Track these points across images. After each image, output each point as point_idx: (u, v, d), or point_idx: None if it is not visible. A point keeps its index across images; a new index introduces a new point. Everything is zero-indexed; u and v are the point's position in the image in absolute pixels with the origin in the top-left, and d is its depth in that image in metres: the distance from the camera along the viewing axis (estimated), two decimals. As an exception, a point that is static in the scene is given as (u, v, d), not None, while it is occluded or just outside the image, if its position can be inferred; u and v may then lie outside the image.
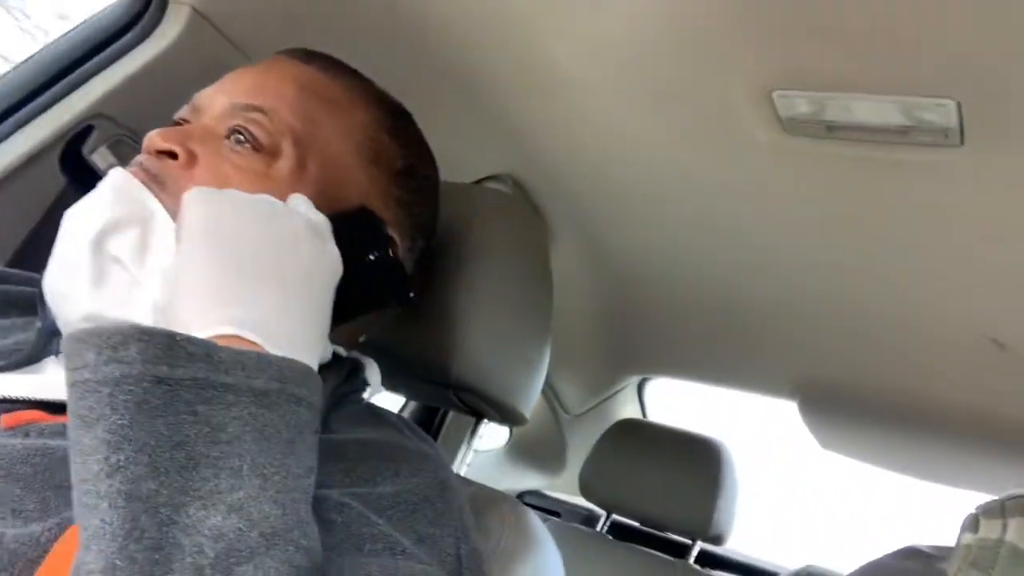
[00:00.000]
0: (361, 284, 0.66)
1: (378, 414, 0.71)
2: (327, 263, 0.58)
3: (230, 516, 0.41)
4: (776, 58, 0.90)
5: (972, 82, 0.84)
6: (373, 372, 0.77)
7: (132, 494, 0.40)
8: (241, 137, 0.66)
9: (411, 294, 0.71)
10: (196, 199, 0.56)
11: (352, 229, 0.66)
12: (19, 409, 0.58)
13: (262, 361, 0.46)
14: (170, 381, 0.43)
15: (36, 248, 0.95)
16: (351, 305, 0.65)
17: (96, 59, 0.96)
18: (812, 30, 0.84)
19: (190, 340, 0.45)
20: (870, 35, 0.82)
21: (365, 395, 0.77)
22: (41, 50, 0.96)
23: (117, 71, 0.96)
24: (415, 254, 0.79)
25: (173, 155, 0.65)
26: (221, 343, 0.47)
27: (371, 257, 0.68)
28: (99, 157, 0.97)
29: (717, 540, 1.68)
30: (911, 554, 0.53)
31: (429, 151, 0.81)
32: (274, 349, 0.50)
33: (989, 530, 0.48)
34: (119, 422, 0.41)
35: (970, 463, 1.56)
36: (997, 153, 0.92)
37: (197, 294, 0.51)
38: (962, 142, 0.91)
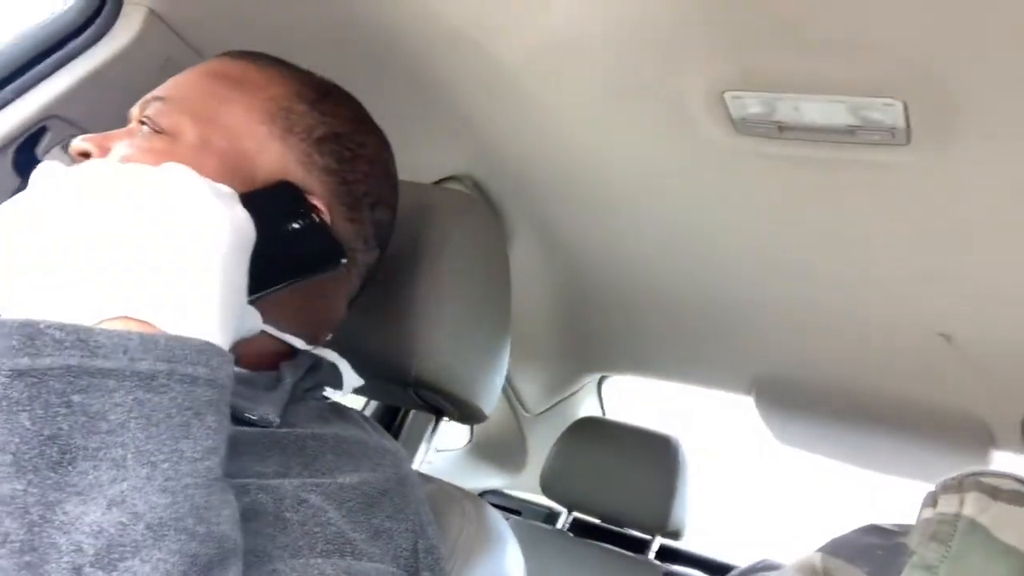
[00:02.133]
0: (286, 255, 0.66)
1: (339, 410, 0.72)
2: (229, 227, 0.52)
3: (111, 510, 0.40)
4: (727, 59, 0.91)
5: (918, 82, 0.86)
6: (345, 369, 0.78)
7: None
8: (145, 127, 0.69)
9: (343, 260, 0.70)
10: (42, 172, 0.52)
11: (269, 201, 0.67)
12: None
13: (147, 341, 0.43)
14: (34, 373, 0.40)
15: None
16: (275, 276, 0.64)
17: (50, 59, 0.95)
18: (762, 31, 0.86)
19: (58, 326, 0.42)
20: (819, 37, 0.84)
21: (339, 394, 0.77)
22: (-7, 51, 0.95)
23: (72, 72, 0.95)
24: (365, 225, 0.77)
25: (89, 155, 0.68)
26: (107, 326, 0.45)
27: (294, 226, 0.67)
28: (53, 157, 0.96)
29: (675, 535, 1.70)
30: (872, 530, 0.55)
31: (366, 123, 0.80)
32: (169, 327, 0.46)
33: (947, 505, 0.50)
34: None
35: (921, 455, 1.60)
36: (943, 152, 0.94)
37: (77, 278, 0.47)
38: (908, 141, 0.94)
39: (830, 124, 0.96)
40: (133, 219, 0.49)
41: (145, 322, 0.46)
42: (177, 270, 0.48)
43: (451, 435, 2.04)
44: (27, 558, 0.38)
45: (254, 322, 0.65)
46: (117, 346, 0.43)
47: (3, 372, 0.40)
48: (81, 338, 0.42)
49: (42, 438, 0.40)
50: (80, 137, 0.68)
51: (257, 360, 0.70)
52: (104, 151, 0.68)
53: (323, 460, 0.60)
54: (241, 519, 0.48)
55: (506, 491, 2.23)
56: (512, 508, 2.14)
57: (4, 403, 0.40)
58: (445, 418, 1.05)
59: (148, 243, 0.48)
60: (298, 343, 0.73)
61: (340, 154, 0.75)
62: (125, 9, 0.98)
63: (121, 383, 0.42)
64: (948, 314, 1.27)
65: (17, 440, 0.39)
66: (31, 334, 0.41)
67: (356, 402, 1.73)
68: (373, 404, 1.77)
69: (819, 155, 1.02)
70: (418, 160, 0.83)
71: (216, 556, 0.42)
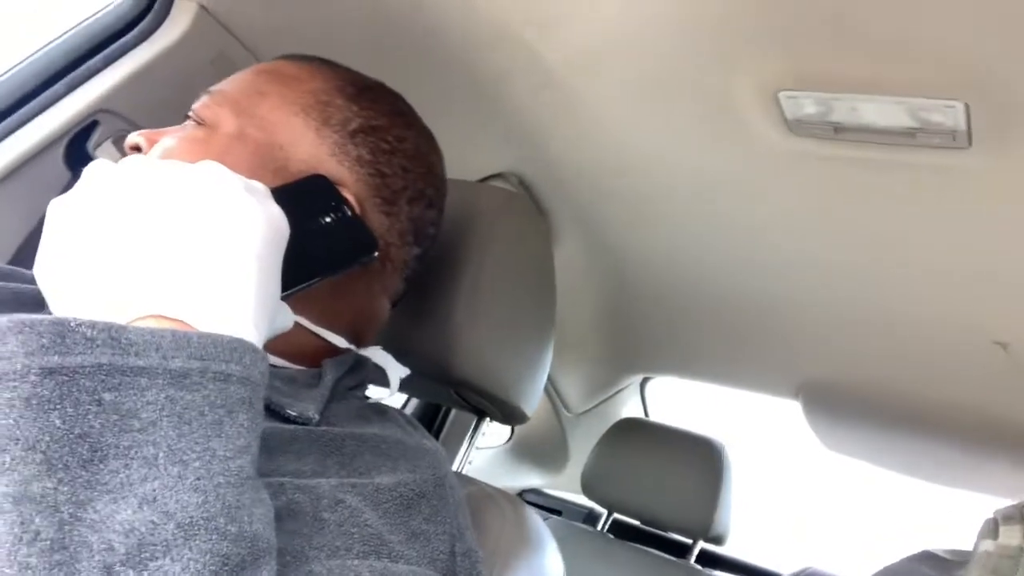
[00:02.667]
0: (320, 248, 0.65)
1: (380, 410, 0.71)
2: (263, 222, 0.52)
3: (142, 508, 0.39)
4: (782, 58, 0.89)
5: (981, 84, 0.83)
6: (393, 370, 0.77)
7: (21, 495, 0.38)
8: (190, 120, 0.71)
9: (375, 253, 0.69)
10: (91, 170, 0.53)
11: (301, 194, 0.66)
12: None
13: (180, 339, 0.43)
14: (64, 371, 0.40)
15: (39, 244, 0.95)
16: (309, 271, 0.64)
17: (102, 55, 0.96)
18: (818, 30, 0.84)
19: (89, 324, 0.41)
20: (877, 36, 0.82)
21: (384, 392, 0.77)
22: (47, 46, 0.96)
23: (122, 67, 0.96)
24: (401, 219, 0.76)
25: (141, 149, 0.69)
26: (140, 324, 0.45)
27: (326, 220, 0.67)
28: (103, 152, 0.97)
29: (718, 540, 1.68)
30: (927, 558, 0.52)
31: (407, 117, 0.79)
32: (203, 325, 0.46)
33: (1009, 536, 0.48)
34: (2, 422, 0.39)
35: (973, 465, 1.56)
36: (1005, 156, 0.91)
37: (110, 276, 0.47)
38: (970, 144, 0.91)
39: (888, 126, 0.93)
40: (167, 217, 0.49)
41: (178, 320, 0.46)
42: (210, 267, 0.48)
43: (491, 433, 2.03)
44: (58, 557, 0.37)
45: (285, 318, 0.64)
46: (149, 344, 0.42)
47: (33, 370, 0.40)
48: (112, 336, 0.42)
49: (72, 436, 0.39)
50: (135, 132, 0.69)
51: (299, 356, 0.69)
52: (152, 146, 0.69)
53: (361, 460, 0.59)
54: (277, 519, 0.47)
55: (546, 490, 2.23)
56: (552, 508, 2.13)
57: (34, 401, 0.39)
58: (487, 419, 1.04)
59: (181, 240, 0.48)
60: (340, 341, 0.72)
61: (376, 146, 0.74)
62: (176, 5, 0.98)
63: (153, 381, 0.42)
64: (1005, 322, 1.23)
65: (47, 439, 0.39)
66: (61, 332, 0.41)
67: (397, 400, 1.73)
68: (414, 402, 1.77)
69: (876, 157, 0.99)
70: (464, 158, 0.83)
71: (248, 556, 0.42)
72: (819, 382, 1.61)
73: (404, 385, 0.81)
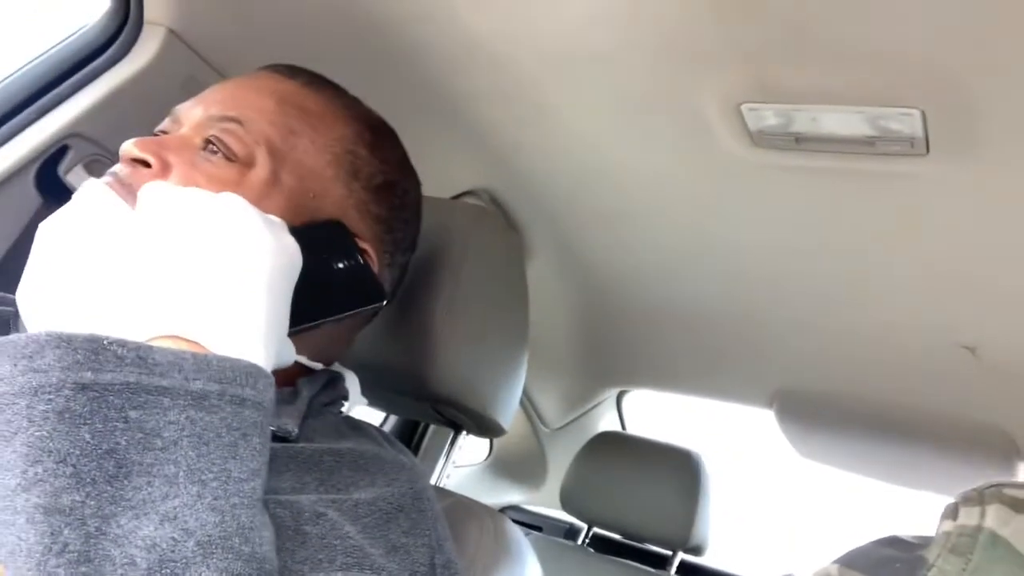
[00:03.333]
0: (329, 291, 0.66)
1: (356, 426, 0.72)
2: (279, 255, 0.55)
3: (163, 525, 0.40)
4: (744, 71, 0.91)
5: (937, 91, 0.85)
6: (353, 384, 0.78)
7: (52, 507, 0.39)
8: (215, 148, 0.66)
9: (384, 302, 0.71)
10: (88, 192, 0.56)
11: (320, 238, 0.67)
12: None
13: (200, 362, 0.44)
14: (96, 387, 0.41)
15: (11, 268, 0.95)
16: (318, 311, 0.65)
17: (72, 79, 0.96)
18: (778, 42, 0.85)
19: (120, 343, 0.43)
20: (835, 47, 0.84)
21: (345, 408, 0.77)
22: (16, 72, 0.96)
23: (93, 91, 0.96)
24: (395, 270, 0.79)
25: (147, 164, 0.64)
26: (158, 343, 0.46)
27: (339, 266, 0.68)
28: (75, 176, 0.97)
29: (697, 551, 1.69)
30: (891, 542, 0.54)
31: (411, 169, 0.81)
32: (217, 348, 0.48)
33: (968, 517, 0.49)
34: (36, 434, 0.40)
35: (945, 468, 1.58)
36: (963, 161, 0.93)
37: (134, 294, 0.49)
38: (928, 151, 0.93)
39: (848, 135, 0.95)
40: (186, 242, 0.51)
41: (194, 342, 0.48)
42: (226, 292, 0.50)
43: (470, 450, 2.03)
44: (83, 569, 0.38)
45: (288, 353, 0.66)
46: (173, 365, 0.44)
47: (68, 385, 0.41)
48: (141, 356, 0.43)
49: (100, 452, 0.40)
50: (132, 142, 0.65)
51: (278, 379, 0.70)
52: (163, 165, 0.65)
53: (339, 475, 0.60)
54: None
55: (526, 506, 2.23)
56: (532, 524, 2.13)
57: (67, 415, 0.40)
58: (464, 433, 1.05)
59: (199, 265, 0.50)
60: (315, 365, 0.73)
61: (391, 203, 0.76)
62: (145, 29, 0.98)
63: (175, 401, 0.43)
64: (972, 326, 1.25)
65: (78, 452, 0.40)
66: (96, 349, 0.42)
67: (375, 416, 1.73)
68: (393, 419, 1.77)
69: (837, 166, 1.01)
70: (436, 174, 0.84)
71: None
72: (792, 391, 1.62)
73: (381, 401, 0.82)
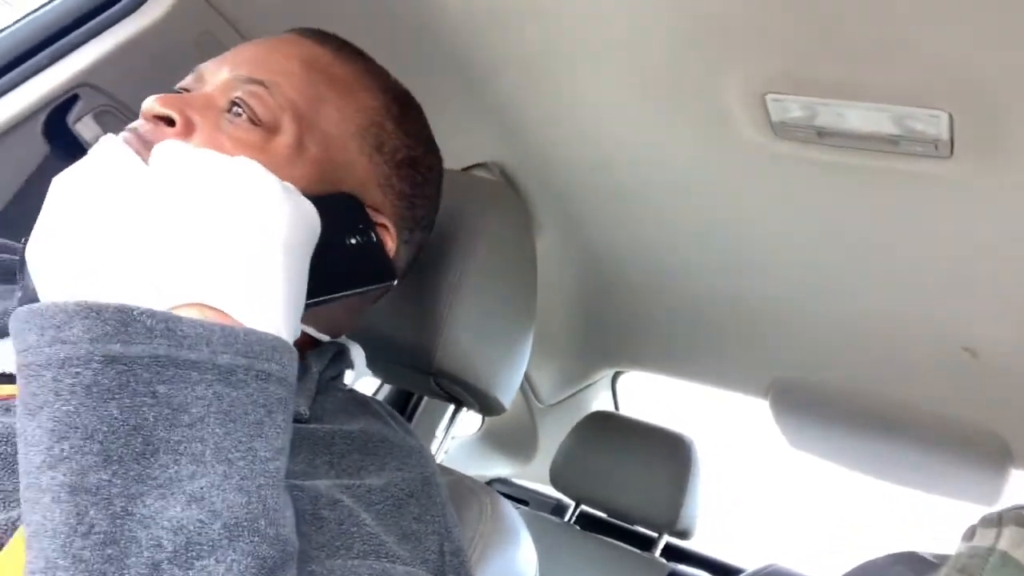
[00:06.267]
0: (340, 267, 0.65)
1: (363, 403, 0.71)
2: (299, 223, 0.53)
3: (190, 507, 0.39)
4: (771, 61, 0.90)
5: (965, 95, 0.84)
6: (359, 355, 0.77)
7: (78, 486, 0.37)
8: (239, 110, 0.64)
9: (394, 282, 0.69)
10: (106, 149, 0.54)
11: (334, 211, 0.65)
12: (5, 382, 0.56)
13: (228, 334, 0.43)
14: (125, 360, 0.40)
15: (16, 216, 0.94)
16: (328, 286, 0.64)
17: (85, 27, 0.94)
18: (808, 35, 0.84)
19: (149, 313, 0.41)
20: (866, 43, 0.83)
21: (347, 379, 0.76)
22: (28, 17, 0.94)
23: (106, 41, 0.94)
24: (412, 247, 0.77)
25: (171, 122, 0.62)
26: (182, 312, 0.45)
27: (352, 241, 0.66)
28: (84, 127, 0.95)
29: (683, 535, 1.69)
30: (906, 558, 0.53)
31: (435, 145, 0.79)
32: (242, 318, 0.46)
33: (983, 538, 0.49)
34: (64, 408, 0.38)
35: (936, 468, 1.58)
36: (986, 166, 0.93)
37: (156, 259, 0.47)
38: (951, 153, 0.92)
39: (872, 132, 0.94)
40: (207, 207, 0.49)
41: (219, 311, 0.46)
42: (249, 260, 0.48)
43: (462, 421, 2.03)
44: (109, 551, 0.37)
45: (297, 326, 0.64)
46: (201, 337, 0.42)
47: (96, 357, 0.39)
48: (169, 327, 0.41)
49: (128, 428, 0.39)
50: (156, 99, 0.62)
51: None
52: (187, 123, 0.62)
53: (349, 459, 0.59)
54: None
55: (513, 480, 2.23)
56: (519, 497, 2.13)
57: (95, 389, 0.39)
58: (464, 408, 1.04)
59: (221, 231, 0.48)
60: (323, 337, 0.72)
61: (413, 179, 0.74)
62: (162, -21, 0.96)
63: (203, 376, 0.41)
64: (975, 329, 1.25)
65: (105, 429, 0.39)
66: (125, 320, 0.40)
67: (371, 384, 1.73)
68: (387, 387, 1.76)
69: (858, 163, 1.00)
70: (447, 146, 0.82)
71: (280, 559, 0.42)
72: (788, 381, 1.62)
73: (381, 371, 0.81)
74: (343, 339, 0.77)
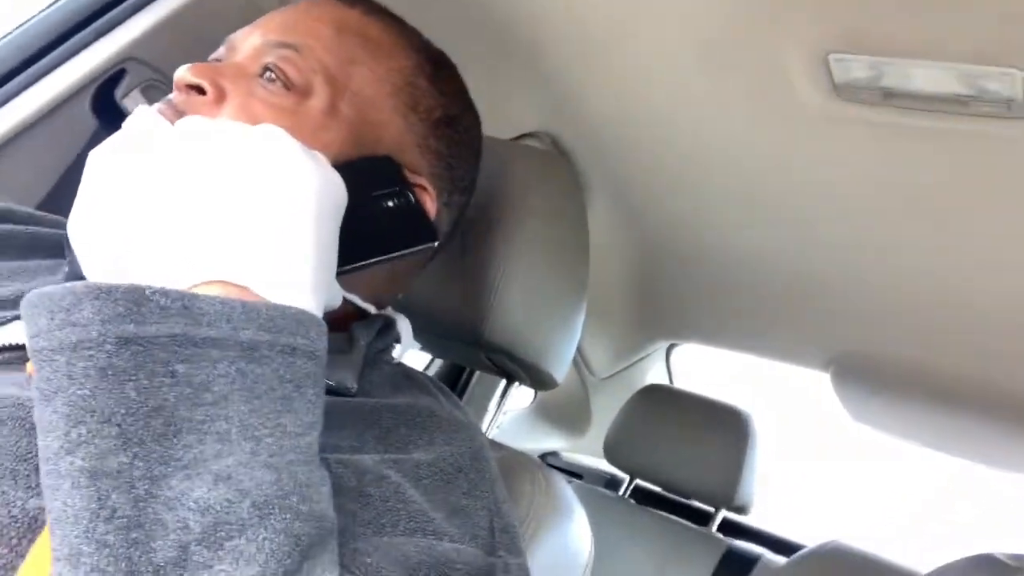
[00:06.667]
0: (379, 231, 0.64)
1: (411, 376, 0.70)
2: (324, 191, 0.51)
3: (217, 486, 0.38)
4: (834, 19, 0.86)
5: (1042, 51, 0.80)
6: (405, 328, 0.75)
7: (98, 470, 0.37)
8: (272, 75, 0.63)
9: (435, 243, 0.68)
10: (138, 121, 0.53)
11: (370, 173, 0.64)
12: None
13: (249, 310, 0.42)
14: (140, 340, 0.39)
15: (67, 192, 0.94)
16: (367, 251, 0.62)
17: (129, 2, 0.94)
18: (875, -9, 0.80)
19: (163, 292, 0.40)
20: (936, -2, 0.78)
21: (396, 352, 0.75)
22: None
23: (151, 14, 0.94)
24: (453, 209, 0.76)
25: (202, 91, 0.62)
26: (203, 290, 0.44)
27: (389, 204, 0.65)
28: (131, 101, 0.96)
29: (741, 510, 1.67)
30: (985, 562, 0.50)
31: (472, 105, 0.78)
32: (266, 293, 0.45)
33: None
34: (79, 392, 0.38)
35: (1003, 443, 1.53)
36: (1062, 127, 0.88)
37: (175, 236, 0.46)
38: (1025, 114, 0.88)
39: (941, 92, 0.90)
40: (227, 179, 0.48)
41: (242, 287, 0.45)
42: (271, 232, 0.47)
43: (514, 396, 2.02)
44: (134, 535, 0.36)
45: (335, 294, 0.63)
46: (220, 314, 0.41)
47: (109, 339, 0.38)
48: (186, 305, 0.40)
49: (147, 409, 0.38)
50: (187, 68, 0.62)
51: (331, 323, 0.67)
52: (219, 92, 0.62)
53: (397, 433, 0.58)
54: None
55: (564, 454, 2.22)
56: (572, 471, 2.12)
57: (110, 372, 0.38)
58: (516, 383, 1.03)
59: (242, 205, 0.47)
60: (369, 308, 0.71)
61: (451, 139, 0.72)
62: (207, -49, 0.96)
63: (224, 353, 0.40)
64: (1049, 301, 1.20)
65: (123, 411, 0.38)
66: (138, 300, 0.39)
67: (421, 359, 1.72)
68: (438, 362, 1.76)
69: (925, 125, 0.96)
70: (498, 114, 0.80)
71: (316, 536, 0.41)
72: (852, 354, 1.58)
73: (432, 346, 0.80)
74: (389, 311, 0.75)
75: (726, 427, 1.66)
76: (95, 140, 0.94)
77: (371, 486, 0.51)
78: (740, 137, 1.16)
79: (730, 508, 1.67)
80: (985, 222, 1.09)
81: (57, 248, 0.70)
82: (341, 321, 0.68)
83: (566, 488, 0.89)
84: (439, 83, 0.73)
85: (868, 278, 1.34)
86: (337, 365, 0.61)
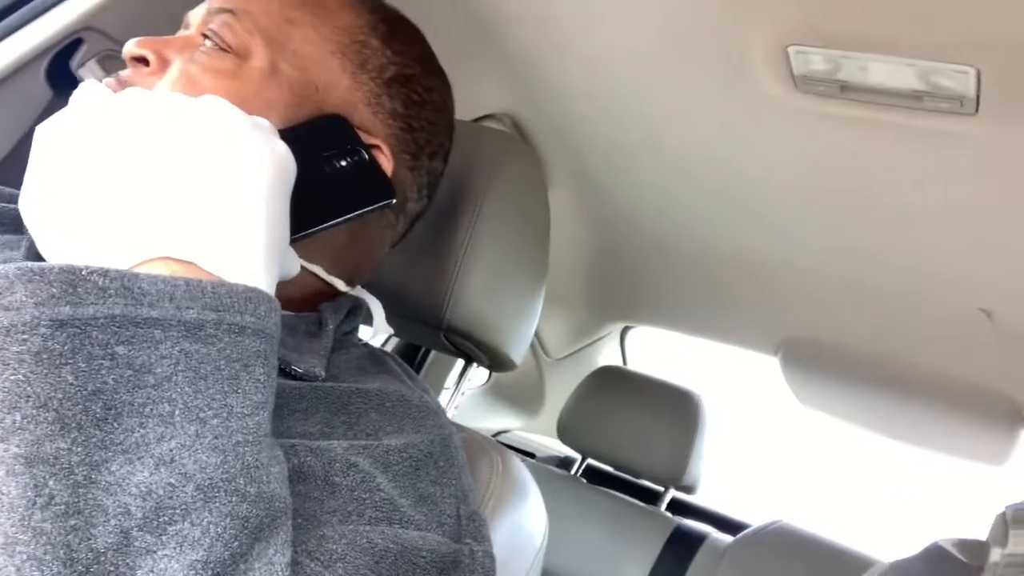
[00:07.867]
0: (332, 192, 0.63)
1: (378, 359, 0.70)
2: (271, 162, 0.49)
3: (159, 470, 0.37)
4: (794, 11, 0.87)
5: (994, 50, 0.82)
6: (378, 310, 0.75)
7: (34, 457, 0.36)
8: (210, 42, 0.64)
9: (392, 200, 0.66)
10: (82, 95, 0.51)
11: (315, 135, 0.64)
12: None
13: (194, 288, 0.41)
14: (77, 323, 0.37)
15: (20, 163, 0.92)
16: (323, 214, 0.61)
17: (88, -31, 0.91)
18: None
19: (101, 272, 0.39)
20: (895, -5, 0.80)
21: (370, 338, 0.75)
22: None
23: (110, -17, 0.92)
24: (421, 175, 0.75)
25: (147, 62, 0.63)
26: (150, 267, 0.42)
27: (342, 163, 0.64)
28: (87, 71, 0.93)
29: (689, 489, 1.70)
30: (938, 556, 0.51)
31: (435, 65, 0.77)
32: (214, 269, 0.44)
33: (1018, 543, 0.47)
34: (12, 378, 0.36)
35: (945, 428, 1.58)
36: (1011, 125, 0.90)
37: (118, 213, 0.44)
38: (976, 111, 0.90)
39: (896, 87, 0.92)
40: (171, 153, 0.46)
41: (187, 262, 0.44)
42: (218, 207, 0.45)
43: (471, 375, 2.03)
44: (73, 522, 0.36)
45: (291, 264, 0.62)
46: (163, 293, 0.40)
47: (43, 322, 0.37)
48: (125, 285, 0.39)
49: (85, 393, 0.37)
50: (134, 41, 0.62)
51: (297, 300, 0.67)
52: (162, 61, 0.63)
53: (367, 419, 0.58)
54: (288, 480, 0.46)
55: (517, 432, 2.24)
56: (525, 450, 2.14)
57: (45, 356, 0.37)
58: (474, 364, 1.03)
59: (187, 179, 0.45)
60: (340, 284, 0.70)
61: (408, 98, 0.71)
62: (167, -81, 0.94)
63: (167, 333, 0.39)
64: (993, 290, 1.24)
65: (60, 396, 0.37)
66: (72, 281, 0.38)
67: (378, 338, 1.72)
68: (394, 340, 1.76)
69: (880, 119, 0.98)
70: (458, 94, 0.80)
71: (266, 517, 0.40)
72: (799, 339, 1.61)
73: (392, 325, 0.80)
74: (359, 291, 0.75)
75: (677, 408, 1.69)
76: (49, 110, 0.92)
77: (338, 475, 0.51)
78: (700, 124, 1.17)
79: (679, 487, 1.70)
80: (932, 212, 1.12)
81: (19, 221, 0.69)
82: (310, 300, 0.68)
83: (523, 470, 0.89)
84: (394, 43, 0.71)
85: (819, 265, 1.37)
86: (305, 350, 0.61)
